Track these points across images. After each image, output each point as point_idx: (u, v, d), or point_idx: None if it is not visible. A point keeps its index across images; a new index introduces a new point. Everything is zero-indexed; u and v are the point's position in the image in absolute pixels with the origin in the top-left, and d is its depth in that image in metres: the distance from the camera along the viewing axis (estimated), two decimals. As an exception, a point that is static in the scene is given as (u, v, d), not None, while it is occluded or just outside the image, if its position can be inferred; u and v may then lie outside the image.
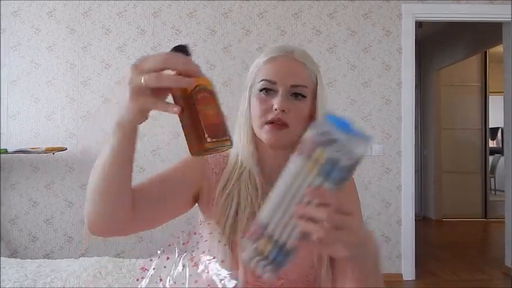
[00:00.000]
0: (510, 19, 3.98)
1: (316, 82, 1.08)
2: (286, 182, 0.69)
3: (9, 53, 3.83)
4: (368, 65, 3.90)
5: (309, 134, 0.69)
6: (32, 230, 3.82)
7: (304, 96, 1.04)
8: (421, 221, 6.76)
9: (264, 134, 1.04)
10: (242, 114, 1.11)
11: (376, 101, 3.90)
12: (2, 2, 3.80)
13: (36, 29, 3.83)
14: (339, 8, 3.89)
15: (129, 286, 1.77)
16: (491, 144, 8.33)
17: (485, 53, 6.85)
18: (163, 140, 3.81)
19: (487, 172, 7.16)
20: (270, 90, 1.04)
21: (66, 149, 3.68)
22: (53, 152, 3.54)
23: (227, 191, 1.08)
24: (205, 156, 1.06)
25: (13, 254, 3.75)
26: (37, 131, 3.82)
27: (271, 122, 1.02)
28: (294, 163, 0.69)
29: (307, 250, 0.99)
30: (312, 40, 3.87)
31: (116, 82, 3.80)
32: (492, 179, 8.19)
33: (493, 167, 8.34)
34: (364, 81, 3.90)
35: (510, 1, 3.93)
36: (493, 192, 8.03)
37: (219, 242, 1.03)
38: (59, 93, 3.83)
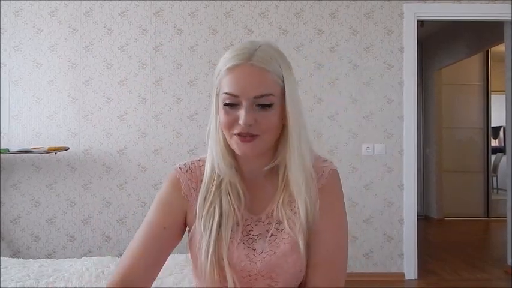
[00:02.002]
0: (511, 18, 3.98)
1: (284, 83, 1.00)
2: None
3: (10, 52, 3.83)
4: (370, 64, 3.89)
5: None
6: (34, 230, 3.82)
7: (270, 106, 0.98)
8: (423, 220, 6.75)
9: (234, 145, 1.01)
10: (212, 122, 1.06)
11: (378, 100, 3.90)
12: (3, 2, 3.80)
13: (38, 29, 3.84)
14: (340, 8, 3.88)
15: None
16: (493, 143, 8.31)
17: (487, 52, 6.84)
18: (166, 139, 3.81)
19: (489, 171, 7.15)
20: (234, 104, 0.98)
21: (68, 149, 3.68)
22: (55, 151, 3.55)
23: (208, 204, 1.05)
24: (177, 176, 1.10)
25: (15, 254, 3.76)
26: (39, 130, 3.82)
27: (239, 134, 0.98)
28: None
29: (297, 256, 1.01)
30: (313, 39, 3.87)
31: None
32: (494, 178, 8.17)
33: (495, 166, 8.33)
34: (365, 80, 3.89)
35: (511, 0, 3.93)
36: (495, 191, 8.01)
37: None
38: (61, 93, 3.84)
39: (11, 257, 3.49)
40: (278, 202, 1.05)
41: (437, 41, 6.76)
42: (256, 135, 0.98)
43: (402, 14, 3.89)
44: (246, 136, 0.98)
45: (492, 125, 7.25)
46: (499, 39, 4.74)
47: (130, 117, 3.84)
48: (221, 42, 3.83)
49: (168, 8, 3.85)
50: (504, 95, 4.39)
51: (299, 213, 1.02)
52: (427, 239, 5.51)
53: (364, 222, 3.86)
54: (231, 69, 0.98)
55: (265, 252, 1.02)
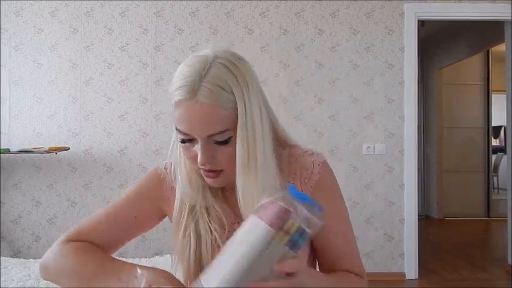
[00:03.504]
0: (513, 17, 3.97)
1: (238, 109, 0.87)
2: (251, 250, 0.68)
3: (11, 52, 3.83)
4: (370, 64, 3.89)
5: (273, 203, 0.70)
6: (34, 230, 3.82)
7: (228, 141, 0.88)
8: (424, 219, 6.75)
9: (204, 178, 0.95)
10: (174, 147, 1.00)
11: (378, 100, 3.89)
12: (4, 1, 3.81)
13: (39, 29, 3.84)
14: (341, 7, 3.88)
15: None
16: (494, 142, 8.29)
17: (488, 51, 6.84)
18: (166, 139, 3.81)
19: (489, 171, 7.15)
20: (189, 139, 0.89)
21: (69, 149, 3.68)
22: (56, 151, 3.55)
23: (182, 227, 0.98)
24: (162, 176, 1.08)
25: (16, 254, 3.76)
26: (40, 130, 3.82)
27: (202, 170, 0.92)
28: (259, 231, 0.69)
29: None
30: (314, 39, 3.87)
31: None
32: (495, 178, 8.15)
33: (496, 166, 8.31)
34: (366, 80, 3.89)
35: (511, 0, 3.92)
36: (495, 190, 7.99)
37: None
38: (62, 93, 3.84)
39: (12, 257, 3.49)
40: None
41: (438, 40, 6.76)
42: (220, 170, 0.92)
43: (403, 13, 3.89)
44: (210, 172, 0.92)
45: (493, 125, 7.25)
46: (500, 39, 4.74)
47: (131, 117, 3.84)
48: (222, 42, 3.83)
49: (169, 7, 3.85)
50: (505, 95, 4.39)
51: None
52: (428, 238, 5.51)
53: (365, 222, 3.86)
54: (178, 104, 0.87)
55: None
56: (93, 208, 3.79)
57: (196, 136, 0.87)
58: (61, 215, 3.82)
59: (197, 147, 0.89)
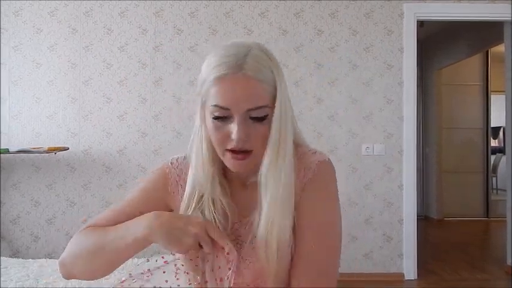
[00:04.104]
0: (511, 18, 3.98)
1: (276, 91, 0.92)
2: None
3: (10, 52, 3.83)
4: (369, 64, 3.89)
5: None
6: (33, 230, 3.82)
7: (264, 118, 0.90)
8: (423, 220, 6.75)
9: (226, 162, 0.95)
10: (196, 133, 1.00)
11: (377, 100, 3.90)
12: (3, 1, 3.80)
13: (38, 29, 3.84)
14: (340, 8, 3.88)
15: (130, 286, 1.77)
16: (493, 143, 8.30)
17: (487, 52, 6.84)
18: (165, 139, 3.81)
19: (488, 171, 7.15)
20: (224, 117, 0.90)
21: (68, 149, 3.68)
22: (55, 151, 3.55)
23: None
24: (167, 171, 1.08)
25: (15, 254, 3.76)
26: (39, 130, 3.82)
27: (231, 150, 0.92)
28: None
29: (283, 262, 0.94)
30: (313, 40, 3.87)
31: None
32: (494, 178, 8.16)
33: (495, 166, 8.32)
34: (365, 80, 3.89)
35: (511, 0, 3.93)
36: (494, 191, 8.00)
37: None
38: (61, 93, 3.84)
39: (11, 257, 3.49)
40: (259, 219, 0.96)
41: (437, 41, 6.76)
42: (250, 151, 0.92)
43: (402, 14, 3.89)
44: (239, 153, 0.91)
45: (492, 126, 7.26)
46: (499, 40, 4.74)
47: (130, 117, 3.83)
48: (221, 42, 3.82)
49: (168, 8, 3.85)
50: (504, 95, 4.39)
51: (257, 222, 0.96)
52: (427, 239, 5.51)
53: (364, 222, 3.86)
54: (219, 79, 0.89)
55: (249, 260, 0.96)
56: (92, 208, 3.79)
57: (235, 110, 0.88)
58: (60, 215, 3.82)
59: (231, 126, 0.90)
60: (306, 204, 0.97)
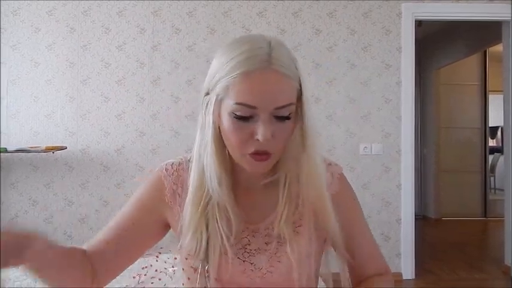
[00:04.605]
0: (509, 18, 3.98)
1: (301, 87, 0.87)
2: None
3: (8, 52, 3.82)
4: (368, 64, 3.90)
5: None
6: (31, 229, 3.80)
7: (289, 117, 0.85)
8: (421, 220, 6.76)
9: (245, 164, 0.88)
10: (203, 133, 0.91)
11: (375, 100, 3.90)
12: (1, 1, 3.80)
13: (36, 28, 3.83)
14: (338, 7, 3.88)
15: (129, 285, 1.77)
16: (491, 143, 8.33)
17: (485, 52, 6.85)
18: (163, 139, 3.81)
19: (486, 171, 7.16)
20: (247, 116, 0.83)
21: (66, 148, 3.68)
22: (53, 151, 3.54)
23: (193, 228, 0.91)
24: (162, 179, 1.00)
25: (13, 253, 3.75)
26: (37, 130, 3.81)
27: (253, 153, 0.85)
28: None
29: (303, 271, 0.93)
30: (311, 39, 3.87)
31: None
32: (492, 178, 8.19)
33: (493, 166, 8.34)
34: (363, 80, 3.89)
35: (510, 0, 3.93)
36: (492, 191, 8.03)
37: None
38: (59, 92, 3.83)
39: (9, 256, 3.48)
40: (281, 217, 0.92)
41: (435, 40, 6.77)
42: (271, 154, 0.86)
43: (400, 13, 3.90)
44: (263, 155, 0.85)
45: (490, 125, 7.27)
46: (497, 39, 4.75)
47: (128, 117, 3.83)
48: (219, 42, 3.83)
49: (166, 7, 3.85)
50: (502, 95, 4.40)
51: (304, 233, 0.93)
52: (425, 239, 5.52)
53: (362, 221, 3.86)
54: (247, 75, 0.81)
55: (265, 269, 0.91)
56: (90, 207, 3.79)
57: (262, 108, 0.82)
58: (58, 215, 3.81)
59: (256, 126, 0.83)
60: (348, 215, 1.03)
